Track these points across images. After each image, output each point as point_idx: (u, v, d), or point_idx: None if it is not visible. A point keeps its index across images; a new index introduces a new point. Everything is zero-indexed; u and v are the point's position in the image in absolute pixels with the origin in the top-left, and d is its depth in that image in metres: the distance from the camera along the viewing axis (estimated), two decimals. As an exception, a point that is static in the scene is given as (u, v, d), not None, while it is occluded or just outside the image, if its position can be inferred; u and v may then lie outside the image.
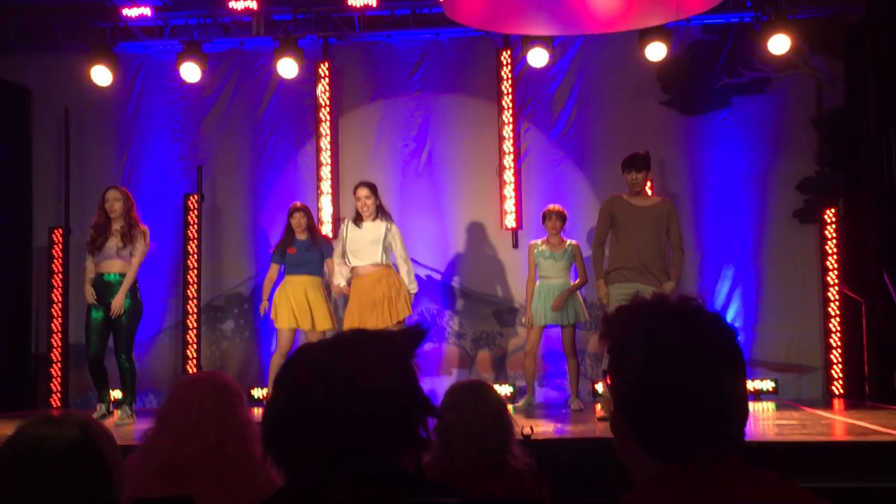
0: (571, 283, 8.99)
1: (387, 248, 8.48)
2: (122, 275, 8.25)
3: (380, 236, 8.43)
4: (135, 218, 8.42)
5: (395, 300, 8.31)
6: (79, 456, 1.94)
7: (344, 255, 8.52)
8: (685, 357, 1.57)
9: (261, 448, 1.66)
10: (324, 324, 8.79)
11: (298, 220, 8.93)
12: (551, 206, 9.11)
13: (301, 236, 8.95)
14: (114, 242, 8.27)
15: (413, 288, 8.56)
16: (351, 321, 8.33)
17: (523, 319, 9.50)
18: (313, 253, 8.92)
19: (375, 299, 8.28)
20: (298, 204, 9.15)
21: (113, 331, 8.27)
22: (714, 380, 1.57)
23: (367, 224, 8.49)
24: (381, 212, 8.57)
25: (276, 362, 8.85)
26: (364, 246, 8.43)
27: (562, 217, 9.00)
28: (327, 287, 8.96)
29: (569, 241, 9.05)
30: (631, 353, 1.62)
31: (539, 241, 9.09)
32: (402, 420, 1.61)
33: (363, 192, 8.52)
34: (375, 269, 8.41)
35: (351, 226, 8.55)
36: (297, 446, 1.59)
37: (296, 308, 8.74)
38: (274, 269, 9.09)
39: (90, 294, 8.29)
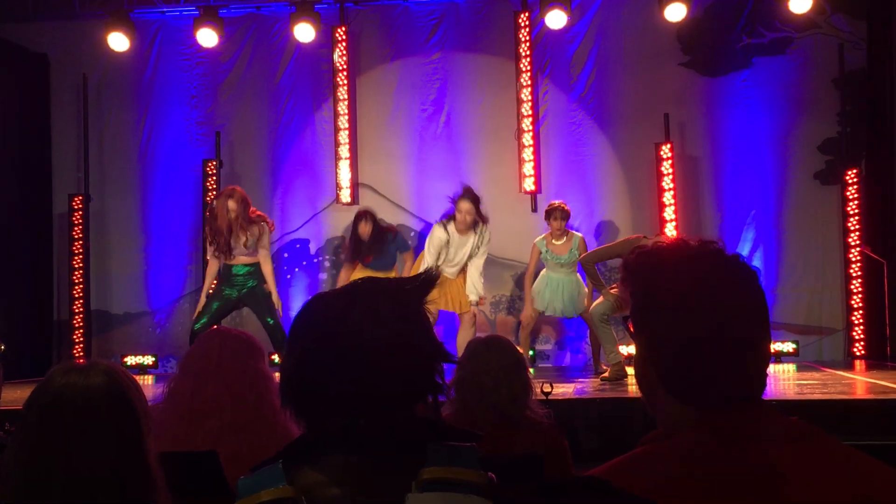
0: (578, 277, 8.72)
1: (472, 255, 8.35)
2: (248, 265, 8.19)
3: (468, 249, 8.31)
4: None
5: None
6: (106, 403, 1.95)
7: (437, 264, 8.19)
8: (709, 299, 1.56)
9: (279, 400, 1.66)
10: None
11: (363, 229, 8.93)
12: (557, 205, 8.67)
13: (369, 240, 8.93)
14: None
15: (473, 297, 8.37)
16: None
17: (521, 316, 9.21)
18: (388, 256, 8.95)
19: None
20: (360, 210, 9.12)
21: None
22: (738, 321, 1.56)
23: (464, 237, 8.27)
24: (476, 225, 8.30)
25: None
26: (461, 258, 8.30)
27: (565, 214, 8.62)
28: None
29: (574, 237, 8.68)
30: (654, 297, 1.61)
31: (543, 241, 8.70)
32: (416, 367, 1.60)
33: (466, 205, 8.16)
34: (454, 276, 8.39)
35: (453, 234, 8.21)
36: (313, 397, 1.59)
37: None
38: (347, 270, 9.18)
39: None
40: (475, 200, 8.20)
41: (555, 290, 8.67)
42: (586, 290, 8.71)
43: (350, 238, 9.22)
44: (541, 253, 8.69)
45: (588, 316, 8.43)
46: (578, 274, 8.71)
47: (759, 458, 1.48)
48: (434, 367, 1.63)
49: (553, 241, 8.65)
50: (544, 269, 8.80)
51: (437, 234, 8.25)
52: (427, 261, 8.26)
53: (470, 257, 8.31)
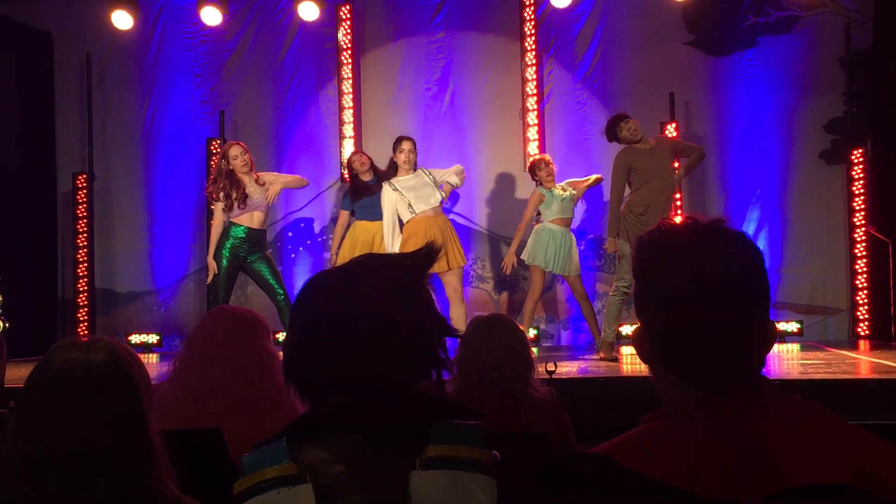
0: (572, 235, 8.59)
1: (436, 186, 8.12)
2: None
3: (427, 179, 8.08)
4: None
5: (451, 249, 7.98)
6: (108, 379, 1.94)
7: (408, 207, 7.97)
8: (712, 281, 1.55)
9: (283, 379, 1.66)
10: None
11: (361, 161, 8.76)
12: (542, 157, 8.68)
13: (366, 177, 8.70)
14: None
15: (454, 180, 8.18)
16: None
17: (503, 264, 8.69)
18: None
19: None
20: (355, 150, 9.01)
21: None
22: (740, 303, 1.55)
23: (409, 175, 8.10)
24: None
25: None
26: (424, 189, 8.02)
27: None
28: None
29: (562, 183, 8.62)
30: (653, 274, 1.60)
31: (544, 188, 8.48)
32: (419, 342, 1.60)
33: (408, 145, 8.12)
34: (436, 214, 8.05)
35: (396, 183, 8.06)
36: (316, 375, 1.59)
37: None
38: (344, 216, 8.89)
39: None
40: (412, 139, 8.23)
41: (557, 244, 8.39)
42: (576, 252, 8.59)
43: (350, 181, 8.97)
44: (541, 199, 8.41)
45: (577, 290, 8.43)
46: (572, 233, 8.60)
47: (761, 439, 1.48)
48: (437, 343, 1.62)
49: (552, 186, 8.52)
50: (539, 225, 8.51)
51: (386, 195, 8.08)
52: (385, 219, 8.08)
53: (438, 183, 8.10)
